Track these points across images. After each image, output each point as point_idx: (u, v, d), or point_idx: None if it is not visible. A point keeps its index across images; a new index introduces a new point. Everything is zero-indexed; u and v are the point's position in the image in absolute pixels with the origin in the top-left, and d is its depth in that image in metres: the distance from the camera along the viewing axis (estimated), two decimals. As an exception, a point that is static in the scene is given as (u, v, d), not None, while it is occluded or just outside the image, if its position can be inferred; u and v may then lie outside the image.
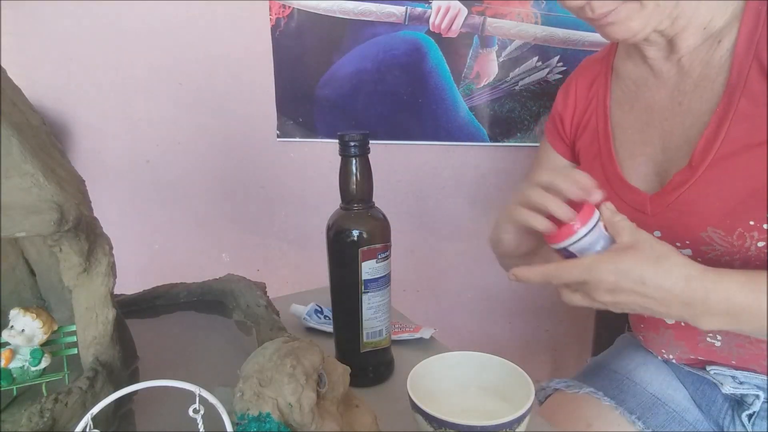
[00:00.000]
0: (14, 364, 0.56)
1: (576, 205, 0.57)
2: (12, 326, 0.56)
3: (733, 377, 0.74)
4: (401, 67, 1.33)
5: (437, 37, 1.29)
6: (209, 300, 0.81)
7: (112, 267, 0.55)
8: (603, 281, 0.54)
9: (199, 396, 0.38)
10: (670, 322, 0.77)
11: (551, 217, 0.57)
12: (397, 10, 1.29)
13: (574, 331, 1.51)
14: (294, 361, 0.45)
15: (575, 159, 0.85)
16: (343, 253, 0.66)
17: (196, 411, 0.38)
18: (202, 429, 0.38)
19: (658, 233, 0.71)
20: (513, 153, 1.35)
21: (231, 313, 0.76)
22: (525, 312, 1.51)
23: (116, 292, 0.57)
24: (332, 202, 0.69)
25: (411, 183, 1.44)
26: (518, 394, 0.55)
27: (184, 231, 1.60)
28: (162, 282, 0.83)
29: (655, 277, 0.54)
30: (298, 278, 1.56)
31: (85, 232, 0.51)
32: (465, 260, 1.46)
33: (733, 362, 0.74)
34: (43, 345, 0.57)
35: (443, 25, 1.28)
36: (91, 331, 0.54)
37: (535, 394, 0.55)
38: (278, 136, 1.46)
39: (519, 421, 0.51)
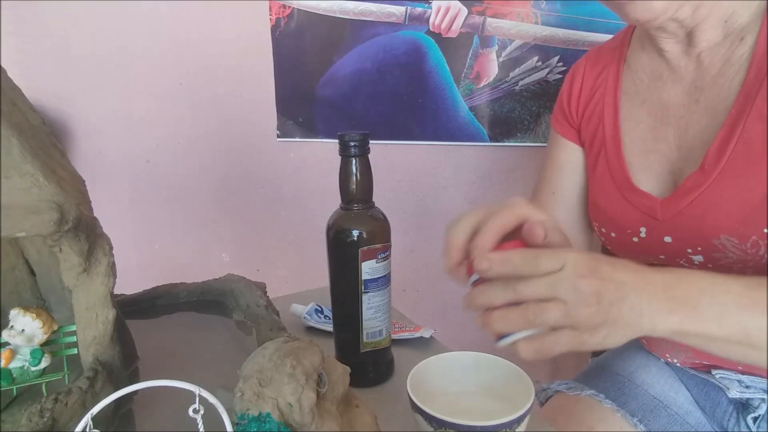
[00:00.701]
0: (14, 364, 0.56)
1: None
2: (12, 326, 0.56)
3: (740, 381, 0.73)
4: (401, 67, 1.33)
5: (437, 37, 1.29)
6: (209, 300, 0.81)
7: (112, 267, 0.55)
8: (576, 258, 0.47)
9: (199, 396, 0.38)
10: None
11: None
12: (397, 10, 1.29)
13: (574, 331, 1.50)
14: (294, 361, 0.45)
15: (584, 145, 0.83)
16: (343, 253, 0.66)
17: (196, 411, 0.38)
18: (202, 429, 0.38)
19: (668, 239, 0.69)
20: (513, 153, 1.35)
21: (231, 313, 0.75)
22: (525, 312, 1.51)
23: (116, 292, 0.57)
24: (332, 202, 0.68)
25: (411, 183, 1.44)
26: (518, 394, 0.55)
27: (184, 231, 1.60)
28: (162, 282, 0.83)
29: (617, 259, 0.49)
30: (298, 278, 1.56)
31: (85, 232, 0.51)
32: (465, 260, 1.46)
33: (740, 367, 0.73)
34: (43, 345, 0.57)
35: (443, 25, 1.28)
36: (91, 331, 0.54)
37: (536, 396, 0.55)
38: (278, 136, 1.46)
39: (519, 421, 0.51)
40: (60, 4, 1.42)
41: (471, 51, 1.29)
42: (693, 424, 0.78)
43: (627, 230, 0.73)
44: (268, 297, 0.75)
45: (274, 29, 1.37)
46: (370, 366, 0.70)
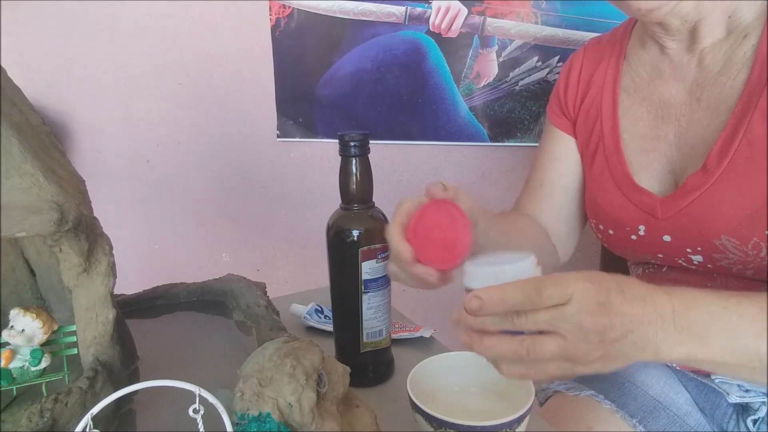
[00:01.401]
0: (14, 364, 0.56)
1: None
2: (12, 326, 0.56)
3: (739, 385, 0.73)
4: (401, 67, 1.33)
5: (437, 37, 1.29)
6: (209, 300, 0.81)
7: (112, 267, 0.55)
8: (584, 290, 0.43)
9: (199, 396, 0.38)
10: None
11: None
12: (397, 10, 1.29)
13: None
14: (294, 361, 0.45)
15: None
16: (343, 253, 0.66)
17: (196, 411, 0.38)
18: (202, 429, 0.38)
19: (667, 238, 0.68)
20: (513, 153, 1.35)
21: (231, 313, 0.75)
22: (525, 312, 1.51)
23: (116, 292, 0.57)
24: (332, 202, 0.68)
25: (411, 183, 1.44)
26: (518, 394, 0.55)
27: (184, 231, 1.60)
28: (162, 282, 0.83)
29: (627, 285, 0.46)
30: (298, 278, 1.56)
31: (85, 232, 0.51)
32: (465, 260, 1.46)
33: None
34: (43, 345, 0.57)
35: (443, 25, 1.28)
36: (91, 331, 0.54)
37: (536, 396, 0.54)
38: (278, 136, 1.46)
39: (519, 421, 0.51)
40: (60, 4, 1.42)
41: (471, 51, 1.29)
42: (692, 426, 0.78)
43: (626, 228, 0.73)
44: (268, 297, 0.75)
45: (274, 29, 1.37)
46: (370, 366, 0.70)
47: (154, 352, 0.68)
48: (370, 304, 0.67)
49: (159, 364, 0.66)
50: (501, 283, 0.44)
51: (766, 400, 0.72)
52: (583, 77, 0.79)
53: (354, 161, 0.64)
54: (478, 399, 0.61)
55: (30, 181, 0.46)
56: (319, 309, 0.85)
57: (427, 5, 1.27)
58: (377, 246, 0.65)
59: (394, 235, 0.54)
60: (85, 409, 0.42)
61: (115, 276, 0.55)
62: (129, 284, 0.77)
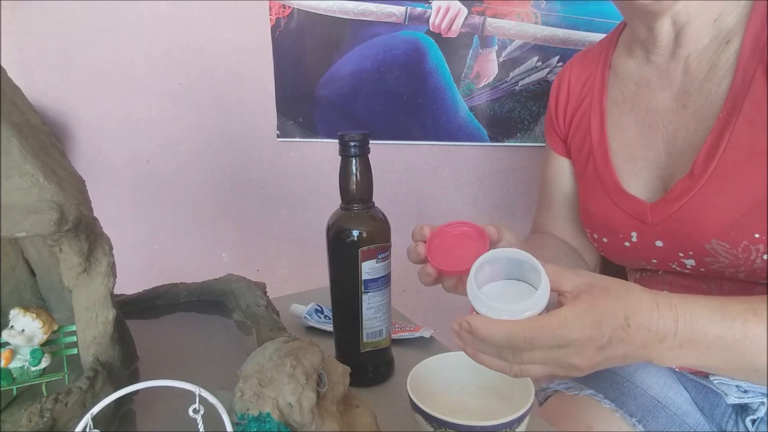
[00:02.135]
0: (14, 364, 0.56)
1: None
2: (12, 326, 0.56)
3: (738, 386, 0.73)
4: (401, 67, 1.33)
5: (437, 37, 1.29)
6: (209, 300, 0.81)
7: (112, 267, 0.55)
8: (584, 338, 0.44)
9: (199, 396, 0.38)
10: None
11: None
12: (397, 10, 1.29)
13: (574, 331, 1.50)
14: (294, 361, 0.45)
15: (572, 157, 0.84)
16: (343, 253, 0.66)
17: (196, 411, 0.38)
18: (202, 429, 0.38)
19: (659, 243, 0.69)
20: (513, 153, 1.35)
21: (231, 313, 0.75)
22: (525, 312, 1.51)
23: (116, 292, 0.57)
24: (332, 202, 0.68)
25: (411, 183, 1.44)
26: (518, 394, 0.55)
27: (184, 231, 1.60)
28: (162, 282, 0.83)
29: (634, 313, 0.46)
30: (298, 278, 1.56)
31: (85, 232, 0.51)
32: (465, 260, 1.46)
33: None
34: (43, 345, 0.57)
35: (443, 25, 1.28)
36: (91, 331, 0.54)
37: (535, 395, 0.54)
38: (278, 136, 1.46)
39: (519, 421, 0.51)
40: (60, 4, 1.42)
41: (471, 51, 1.29)
42: (692, 425, 0.78)
43: (618, 235, 0.73)
44: (268, 297, 0.75)
45: (274, 29, 1.37)
46: (370, 366, 0.70)
47: (154, 352, 0.68)
48: (370, 304, 0.67)
49: (159, 364, 0.66)
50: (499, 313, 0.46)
51: (765, 400, 0.72)
52: (572, 93, 0.80)
53: (354, 161, 0.64)
54: (478, 399, 0.61)
55: (30, 181, 0.46)
56: (319, 309, 0.85)
57: (427, 5, 1.27)
58: (377, 246, 0.65)
59: (417, 234, 0.57)
60: (85, 409, 0.42)
61: (115, 276, 0.55)
62: (129, 284, 0.77)
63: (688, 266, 0.68)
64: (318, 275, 0.80)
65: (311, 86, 1.39)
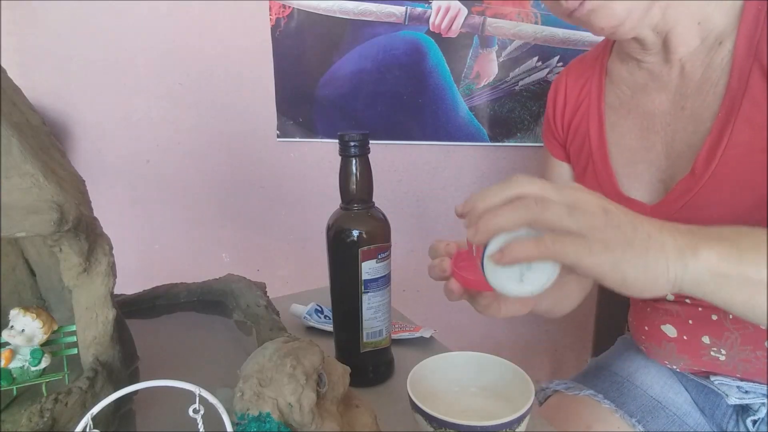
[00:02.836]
0: (14, 364, 0.56)
1: None
2: (12, 326, 0.56)
3: (739, 387, 0.73)
4: (401, 67, 1.33)
5: (437, 37, 1.29)
6: (209, 300, 0.81)
7: (112, 267, 0.55)
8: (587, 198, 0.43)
9: (199, 396, 0.38)
10: (671, 334, 0.75)
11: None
12: (397, 10, 1.29)
13: (574, 332, 1.51)
14: (294, 361, 0.45)
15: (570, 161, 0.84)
16: (343, 253, 0.66)
17: (196, 411, 0.38)
18: (202, 429, 0.38)
19: None
20: (513, 153, 1.35)
21: (231, 313, 0.75)
22: (525, 312, 1.51)
23: (116, 292, 0.57)
24: (332, 202, 0.69)
25: (411, 183, 1.44)
26: (518, 394, 0.55)
27: (184, 231, 1.60)
28: (162, 282, 0.83)
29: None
30: (298, 278, 1.56)
31: (85, 232, 0.51)
32: (465, 260, 1.46)
33: (738, 375, 0.72)
34: (43, 345, 0.57)
35: (443, 25, 1.28)
36: (91, 331, 0.54)
37: (535, 395, 0.54)
38: (278, 136, 1.46)
39: (519, 421, 0.51)
40: (60, 4, 1.42)
41: (471, 51, 1.29)
42: (692, 425, 0.78)
43: None
44: (268, 297, 0.75)
45: (274, 29, 1.37)
46: (370, 366, 0.70)
47: (154, 352, 0.67)
48: (370, 304, 0.67)
49: (159, 364, 0.66)
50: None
51: (765, 401, 0.72)
52: (569, 99, 0.80)
53: (354, 161, 0.64)
54: (478, 399, 0.61)
55: (30, 181, 0.46)
56: (319, 309, 0.85)
57: (427, 5, 1.27)
58: (377, 246, 0.65)
59: (441, 250, 0.54)
60: (85, 409, 0.42)
61: (115, 276, 0.55)
62: (129, 284, 0.77)
63: None
64: (318, 275, 0.80)
65: (311, 86, 1.39)
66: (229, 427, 0.39)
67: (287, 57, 1.39)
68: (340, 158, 0.64)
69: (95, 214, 0.56)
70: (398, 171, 1.43)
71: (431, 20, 1.28)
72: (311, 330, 0.83)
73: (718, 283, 0.43)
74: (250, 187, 1.53)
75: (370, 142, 0.64)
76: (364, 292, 0.66)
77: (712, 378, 0.75)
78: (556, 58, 1.25)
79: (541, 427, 0.61)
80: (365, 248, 0.65)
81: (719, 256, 0.42)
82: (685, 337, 0.74)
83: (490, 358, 0.61)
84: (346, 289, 0.67)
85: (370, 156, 0.65)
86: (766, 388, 0.72)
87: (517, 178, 0.45)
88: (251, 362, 0.47)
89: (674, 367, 0.79)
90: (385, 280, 0.67)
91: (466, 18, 1.27)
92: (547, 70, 1.26)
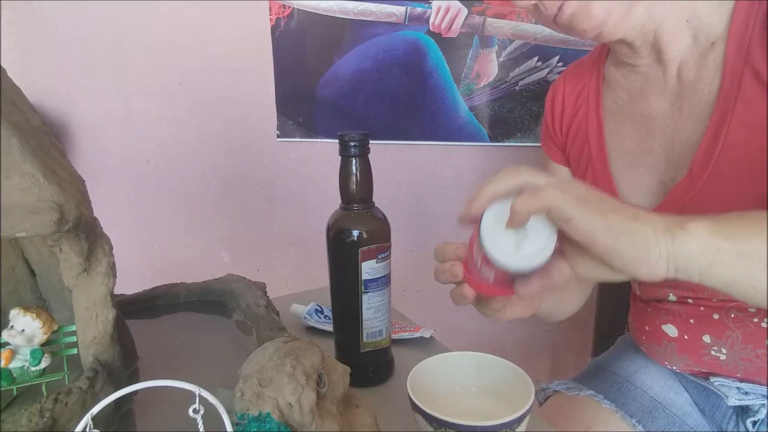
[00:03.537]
0: (14, 364, 0.56)
1: None
2: (12, 326, 0.56)
3: (738, 388, 0.73)
4: (401, 67, 1.33)
5: (437, 37, 1.29)
6: (209, 300, 0.81)
7: (112, 267, 0.55)
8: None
9: (199, 396, 0.38)
10: (671, 333, 0.75)
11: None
12: (397, 10, 1.29)
13: (574, 332, 1.51)
14: (294, 361, 0.45)
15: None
16: (343, 253, 0.66)
17: (196, 411, 0.38)
18: (202, 429, 0.38)
19: None
20: (513, 153, 1.35)
21: (231, 313, 0.75)
22: (525, 312, 1.51)
23: (116, 292, 0.57)
24: (332, 202, 0.69)
25: (411, 183, 1.44)
26: (518, 394, 0.55)
27: (184, 231, 1.60)
28: (162, 282, 0.83)
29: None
30: (298, 278, 1.56)
31: (85, 232, 0.51)
32: (465, 260, 1.46)
33: (738, 375, 0.72)
34: (43, 345, 0.57)
35: (443, 25, 1.28)
36: (91, 331, 0.54)
37: (535, 395, 0.54)
38: (278, 136, 1.46)
39: (519, 421, 0.51)
40: (60, 4, 1.42)
41: (471, 51, 1.29)
42: (692, 426, 0.78)
43: None
44: (268, 297, 0.75)
45: (274, 29, 1.37)
46: (370, 366, 0.70)
47: (154, 352, 0.67)
48: (370, 304, 0.67)
49: (159, 364, 0.66)
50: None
51: (765, 402, 0.72)
52: (567, 104, 0.80)
53: (354, 161, 0.64)
54: (478, 399, 0.61)
55: (30, 181, 0.46)
56: (319, 309, 0.85)
57: (427, 5, 1.27)
58: (377, 246, 0.65)
59: (451, 254, 0.53)
60: (85, 409, 0.42)
61: (115, 276, 0.55)
62: (129, 284, 0.77)
63: None
64: (318, 275, 0.80)
65: (311, 86, 1.39)
66: (229, 427, 0.39)
67: (287, 57, 1.39)
68: (340, 158, 0.64)
69: (95, 214, 0.56)
70: (398, 171, 1.43)
71: (431, 20, 1.28)
72: (311, 330, 0.83)
73: (711, 258, 0.42)
74: (250, 187, 1.53)
75: (370, 142, 0.64)
76: (364, 292, 0.66)
77: (712, 379, 0.75)
78: (556, 58, 1.25)
79: (541, 428, 0.61)
80: (365, 248, 0.65)
81: (707, 229, 0.42)
82: (686, 337, 0.74)
83: (490, 358, 0.61)
84: (346, 289, 0.67)
85: (370, 156, 0.65)
86: (765, 389, 0.72)
87: (507, 169, 0.48)
88: (251, 362, 0.47)
89: (674, 367, 0.79)
90: (385, 280, 0.67)
91: (466, 18, 1.27)
92: (547, 70, 1.26)
